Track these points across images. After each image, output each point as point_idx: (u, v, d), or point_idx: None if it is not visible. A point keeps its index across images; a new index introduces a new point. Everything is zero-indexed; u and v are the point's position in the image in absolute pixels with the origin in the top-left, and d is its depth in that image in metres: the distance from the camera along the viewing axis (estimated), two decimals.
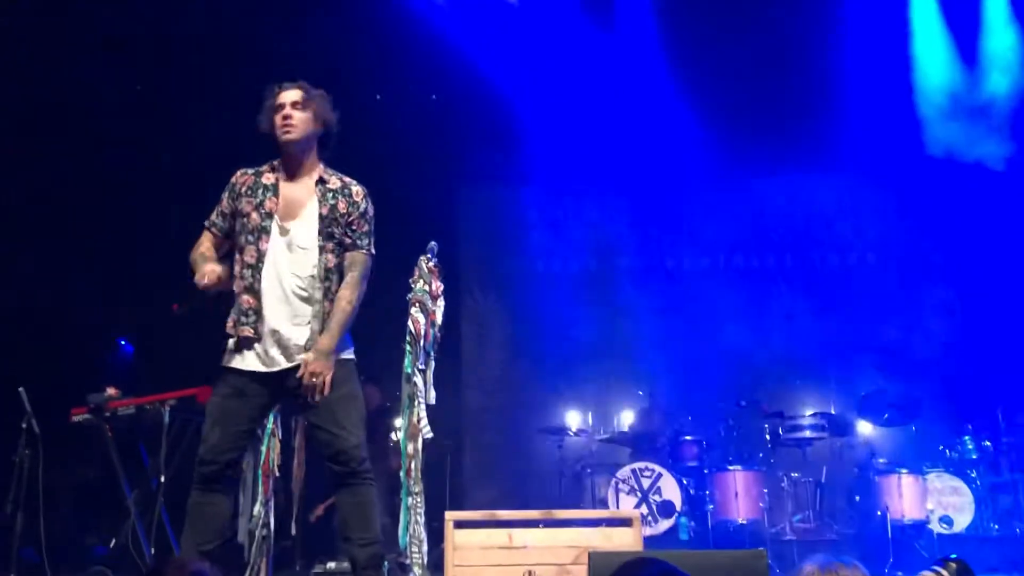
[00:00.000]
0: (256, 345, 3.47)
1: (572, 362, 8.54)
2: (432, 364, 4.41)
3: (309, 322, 3.49)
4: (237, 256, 3.59)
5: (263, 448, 4.38)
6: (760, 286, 8.78)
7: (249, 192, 3.59)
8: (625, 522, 4.27)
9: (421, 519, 4.07)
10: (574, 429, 7.79)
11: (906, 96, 8.36)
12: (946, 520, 6.74)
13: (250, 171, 3.68)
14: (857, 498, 7.16)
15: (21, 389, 4.61)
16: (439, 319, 4.50)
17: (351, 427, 3.46)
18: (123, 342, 7.86)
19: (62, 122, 7.56)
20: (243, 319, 3.49)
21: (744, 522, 6.86)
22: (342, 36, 8.07)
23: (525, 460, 8.47)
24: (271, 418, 4.47)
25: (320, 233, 3.56)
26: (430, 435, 4.22)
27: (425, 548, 4.07)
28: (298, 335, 3.48)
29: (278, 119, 3.56)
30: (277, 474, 4.42)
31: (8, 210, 7.43)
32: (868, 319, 8.45)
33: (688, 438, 7.37)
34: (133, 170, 7.78)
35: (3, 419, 4.89)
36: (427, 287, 4.48)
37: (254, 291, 3.49)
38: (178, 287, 3.83)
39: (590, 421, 8.29)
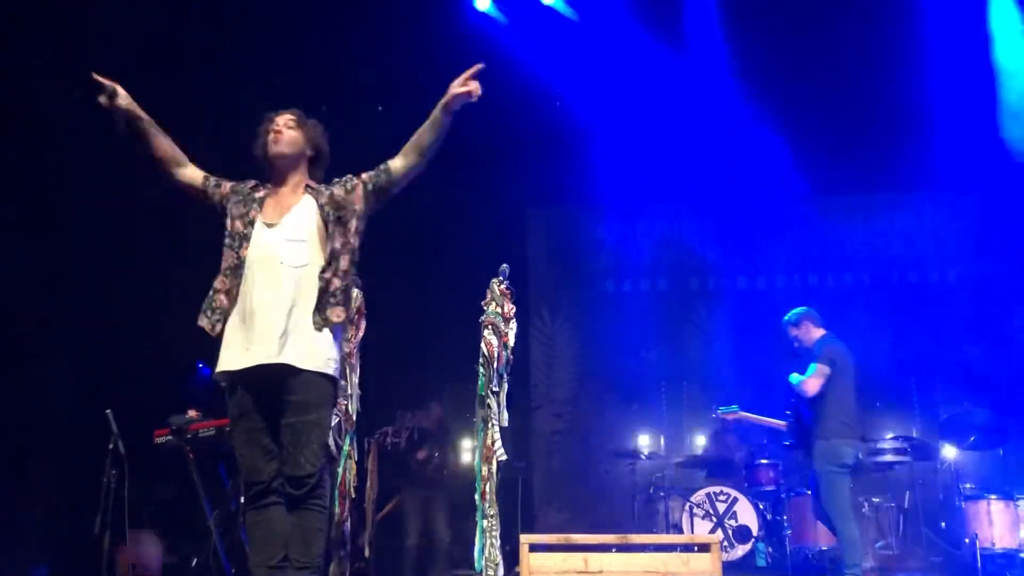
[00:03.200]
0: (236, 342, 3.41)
1: (643, 384, 8.47)
2: (505, 386, 4.42)
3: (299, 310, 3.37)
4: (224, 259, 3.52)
5: (339, 470, 4.42)
6: (837, 305, 8.58)
7: (241, 200, 3.56)
8: (704, 547, 4.19)
9: (496, 541, 4.06)
10: (646, 452, 7.69)
11: (988, 111, 8.14)
12: None
13: (250, 183, 3.65)
14: (943, 524, 6.92)
15: (108, 411, 4.75)
16: (511, 341, 4.51)
17: (310, 455, 3.30)
18: (201, 365, 8.05)
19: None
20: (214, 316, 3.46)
21: (824, 548, 6.67)
22: (408, 58, 8.22)
23: (596, 483, 8.41)
24: (348, 439, 4.52)
25: (324, 220, 3.48)
26: (504, 457, 4.22)
27: (501, 571, 4.06)
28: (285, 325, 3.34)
29: (269, 135, 3.55)
30: (354, 495, 4.46)
31: (93, 238, 7.72)
32: (950, 339, 8.19)
33: (764, 461, 7.22)
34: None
35: (90, 441, 5.05)
36: (499, 309, 4.49)
37: (231, 294, 3.45)
38: None
39: (662, 444, 8.19)
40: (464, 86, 3.65)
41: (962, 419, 7.18)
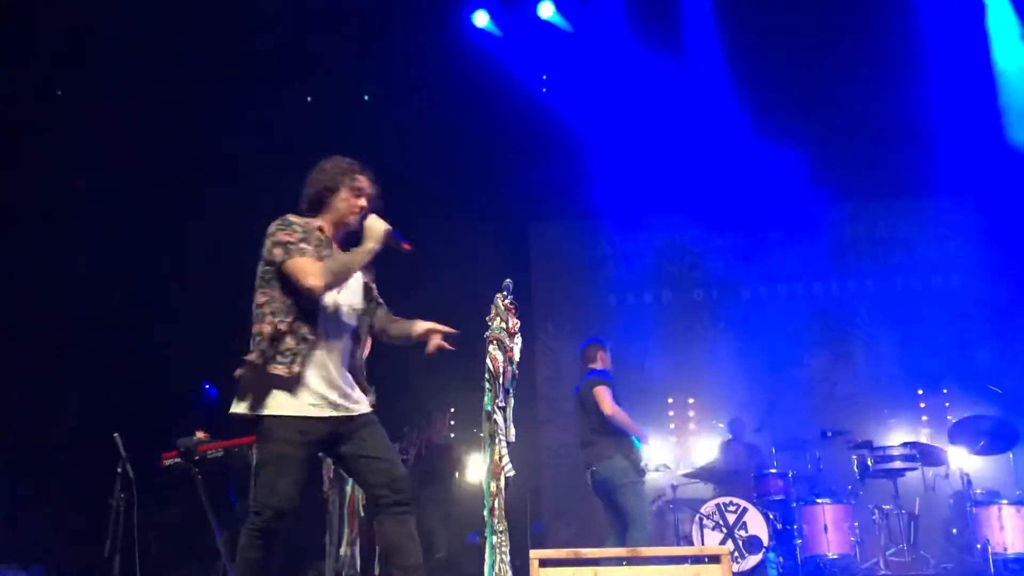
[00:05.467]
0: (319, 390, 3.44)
1: (650, 396, 8.45)
2: (511, 401, 4.41)
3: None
4: (286, 302, 3.43)
5: (348, 488, 4.42)
6: (842, 313, 8.59)
7: (318, 243, 3.52)
8: (714, 559, 4.17)
9: (506, 558, 4.04)
10: (654, 464, 7.67)
11: (989, 115, 8.17)
12: None
13: (300, 220, 3.57)
14: (954, 530, 6.89)
15: (116, 435, 4.75)
16: (517, 356, 4.51)
17: (396, 456, 3.46)
18: (207, 385, 8.06)
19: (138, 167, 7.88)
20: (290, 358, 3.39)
21: (835, 557, 6.65)
22: (410, 75, 8.28)
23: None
24: None
25: (364, 296, 3.66)
26: (512, 473, 4.19)
27: None
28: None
29: (359, 202, 3.61)
30: (363, 514, 4.45)
31: (100, 259, 7.75)
32: (956, 344, 8.17)
33: (772, 471, 7.20)
34: (213, 210, 8.04)
35: (98, 463, 5.05)
36: (504, 324, 4.49)
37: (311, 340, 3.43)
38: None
39: (671, 456, 8.17)
40: (435, 339, 3.83)
41: (971, 424, 7.16)
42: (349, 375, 3.55)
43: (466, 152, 8.43)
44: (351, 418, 3.47)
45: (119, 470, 4.67)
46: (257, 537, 3.30)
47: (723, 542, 6.68)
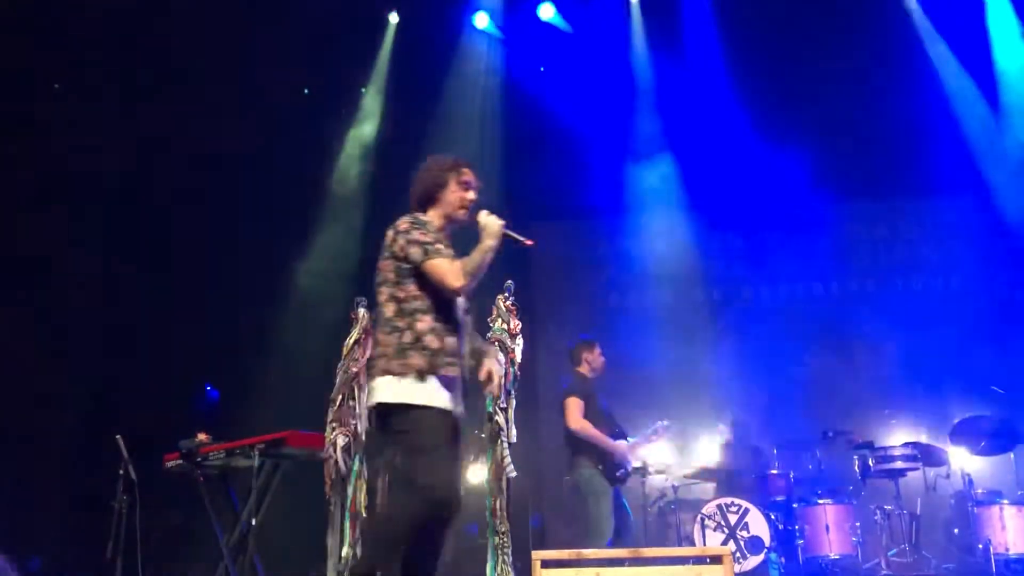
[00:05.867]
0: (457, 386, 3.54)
1: (651, 397, 8.44)
2: (513, 403, 4.43)
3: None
4: (424, 299, 3.52)
5: (350, 489, 4.42)
6: (842, 313, 8.59)
7: (446, 242, 3.63)
8: (716, 559, 4.18)
9: (508, 559, 4.06)
10: (656, 465, 7.67)
11: (990, 116, 8.18)
12: None
13: (427, 218, 3.66)
14: (956, 530, 6.88)
15: (119, 436, 4.76)
16: (518, 357, 4.53)
17: None
18: (209, 387, 8.07)
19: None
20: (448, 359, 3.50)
21: (836, 557, 6.65)
22: (411, 75, 8.30)
23: None
24: (357, 459, 4.52)
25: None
26: (514, 474, 4.22)
27: None
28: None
29: (468, 195, 3.74)
30: (364, 515, 4.45)
31: (101, 262, 7.76)
32: (957, 344, 8.16)
33: (774, 471, 7.20)
34: (215, 213, 8.06)
35: (101, 465, 5.06)
36: (505, 326, 4.51)
37: (457, 334, 3.56)
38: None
39: (672, 457, 8.16)
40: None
41: (972, 424, 7.15)
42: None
43: (467, 152, 8.43)
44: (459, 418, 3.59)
45: (121, 472, 4.68)
46: (418, 516, 3.36)
47: (725, 543, 6.68)
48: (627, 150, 8.64)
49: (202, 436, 5.14)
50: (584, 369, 6.14)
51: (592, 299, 9.06)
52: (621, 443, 5.91)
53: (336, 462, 4.39)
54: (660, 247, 8.93)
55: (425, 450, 3.38)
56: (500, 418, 4.35)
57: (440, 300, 3.52)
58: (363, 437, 4.55)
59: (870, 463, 6.97)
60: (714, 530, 6.79)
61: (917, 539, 6.77)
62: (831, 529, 6.67)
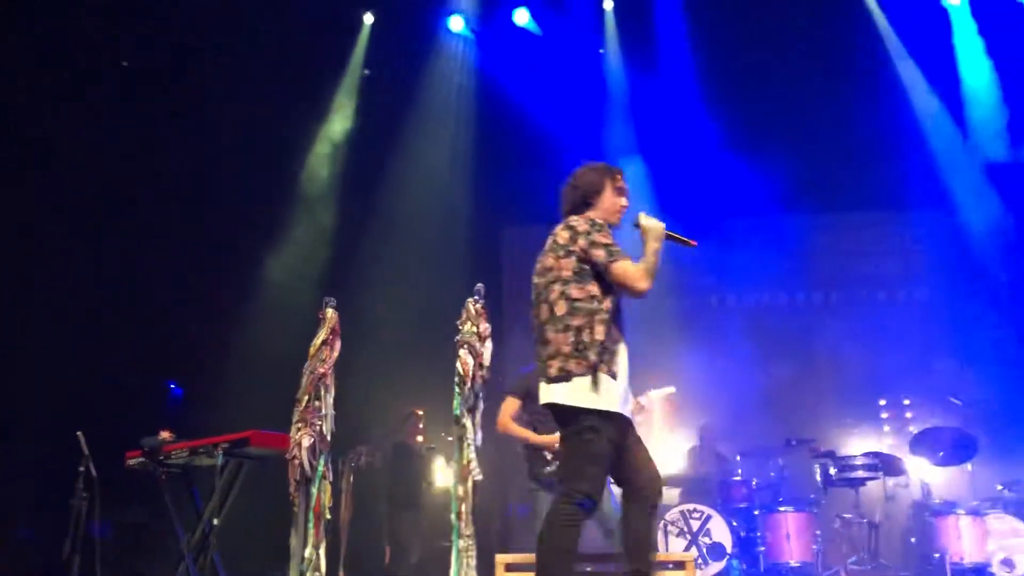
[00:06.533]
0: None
1: None
2: (481, 406, 4.43)
3: None
4: (602, 300, 3.65)
5: (314, 490, 4.40)
6: (807, 323, 8.69)
7: None
8: (679, 565, 4.22)
9: (473, 562, 4.06)
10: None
11: (957, 133, 8.33)
12: (1008, 563, 6.54)
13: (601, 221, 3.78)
14: (913, 539, 7.00)
15: (79, 433, 4.69)
16: (487, 361, 4.53)
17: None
18: (173, 385, 7.99)
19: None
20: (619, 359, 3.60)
21: (797, 565, 6.72)
22: (386, 78, 8.29)
23: None
24: (322, 460, 4.50)
25: None
26: (480, 477, 4.22)
27: None
28: None
29: (622, 200, 3.92)
30: (328, 516, 4.43)
31: (65, 257, 7.65)
32: (919, 356, 8.29)
33: (737, 478, 7.27)
34: (178, 211, 7.99)
35: (61, 462, 4.99)
36: (475, 329, 4.51)
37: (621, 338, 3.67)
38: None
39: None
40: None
41: (931, 435, 7.28)
42: None
43: (437, 154, 8.45)
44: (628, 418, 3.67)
45: (82, 469, 4.61)
46: (575, 524, 3.49)
47: (687, 549, 6.73)
48: (599, 156, 8.67)
49: (165, 434, 5.08)
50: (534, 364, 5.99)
51: None
52: (550, 437, 5.54)
53: (301, 463, 4.35)
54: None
55: (593, 457, 3.47)
56: (467, 421, 4.35)
57: (615, 301, 3.65)
58: (328, 437, 4.53)
59: (831, 472, 7.05)
60: (677, 536, 6.83)
61: (876, 548, 6.88)
62: (792, 537, 6.74)
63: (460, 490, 4.16)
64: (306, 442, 4.39)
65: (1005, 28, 8.15)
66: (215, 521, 4.91)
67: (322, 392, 4.48)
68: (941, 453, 7.17)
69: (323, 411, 4.47)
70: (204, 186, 8.06)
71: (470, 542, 4.09)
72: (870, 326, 8.52)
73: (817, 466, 7.16)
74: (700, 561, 6.70)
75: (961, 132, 8.42)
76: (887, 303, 8.80)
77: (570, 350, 3.55)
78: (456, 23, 8.46)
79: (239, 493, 5.14)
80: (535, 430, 5.57)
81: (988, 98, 8.35)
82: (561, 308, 3.65)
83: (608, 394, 3.50)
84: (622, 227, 3.85)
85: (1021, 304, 8.32)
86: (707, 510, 6.90)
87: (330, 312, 4.62)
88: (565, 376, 3.54)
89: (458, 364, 4.33)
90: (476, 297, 4.55)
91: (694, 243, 3.88)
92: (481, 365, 4.45)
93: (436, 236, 8.25)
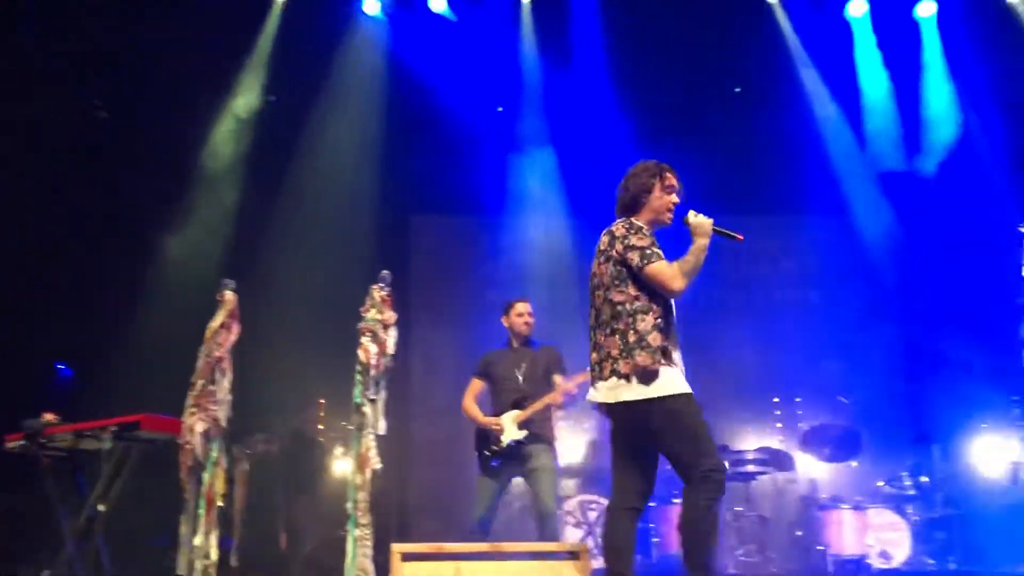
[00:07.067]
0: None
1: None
2: (383, 394, 4.38)
3: None
4: (644, 302, 3.77)
5: (206, 476, 4.28)
6: (707, 320, 8.88)
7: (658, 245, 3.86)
8: (573, 555, 4.27)
9: (369, 552, 4.02)
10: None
11: (855, 141, 8.63)
12: (884, 555, 6.86)
13: (640, 222, 3.89)
14: (799, 533, 7.25)
15: None
16: (391, 349, 4.48)
17: None
18: (61, 366, 7.66)
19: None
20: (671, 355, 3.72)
21: None
22: (295, 61, 8.11)
23: (471, 493, 8.39)
24: (216, 446, 4.39)
25: None
26: (379, 466, 4.18)
27: None
28: None
29: (672, 199, 3.97)
30: (221, 504, 4.32)
31: None
32: (811, 356, 8.58)
33: None
34: (71, 188, 7.66)
35: None
36: (379, 316, 4.46)
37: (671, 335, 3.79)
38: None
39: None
40: None
41: (819, 432, 7.58)
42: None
43: (347, 137, 8.31)
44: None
45: None
46: (718, 498, 3.63)
47: (584, 539, 6.83)
48: (510, 148, 8.70)
49: (49, 416, 4.88)
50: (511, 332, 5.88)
51: (471, 295, 9.05)
52: (492, 419, 5.62)
53: (193, 448, 4.23)
54: (541, 246, 9.00)
55: (693, 433, 3.63)
56: (368, 409, 4.30)
57: (657, 300, 3.75)
58: (223, 423, 4.42)
59: (724, 465, 7.24)
60: (574, 526, 6.93)
61: (764, 540, 7.11)
62: None
63: (358, 479, 4.11)
64: (199, 427, 4.28)
65: (902, 42, 8.49)
66: (100, 507, 4.74)
67: (218, 376, 4.36)
68: (827, 450, 7.46)
69: (218, 396, 4.35)
70: (99, 158, 7.74)
71: (367, 531, 4.05)
72: (767, 325, 8.78)
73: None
74: (595, 551, 6.80)
75: (858, 141, 8.73)
76: (782, 304, 9.07)
77: (618, 353, 3.71)
78: (371, 5, 8.33)
79: (128, 479, 4.97)
80: (516, 404, 5.57)
81: (885, 109, 8.67)
82: (606, 313, 3.83)
83: (670, 380, 3.67)
84: (674, 224, 3.99)
85: (907, 308, 8.70)
86: (605, 501, 6.99)
87: (229, 294, 4.49)
88: (614, 377, 3.70)
89: (360, 352, 4.27)
90: (381, 284, 4.49)
91: (741, 237, 3.95)
92: (384, 353, 4.40)
93: (343, 220, 8.12)
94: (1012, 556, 6.50)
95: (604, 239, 3.89)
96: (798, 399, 7.89)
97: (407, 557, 4.13)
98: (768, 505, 7.42)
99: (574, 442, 8.30)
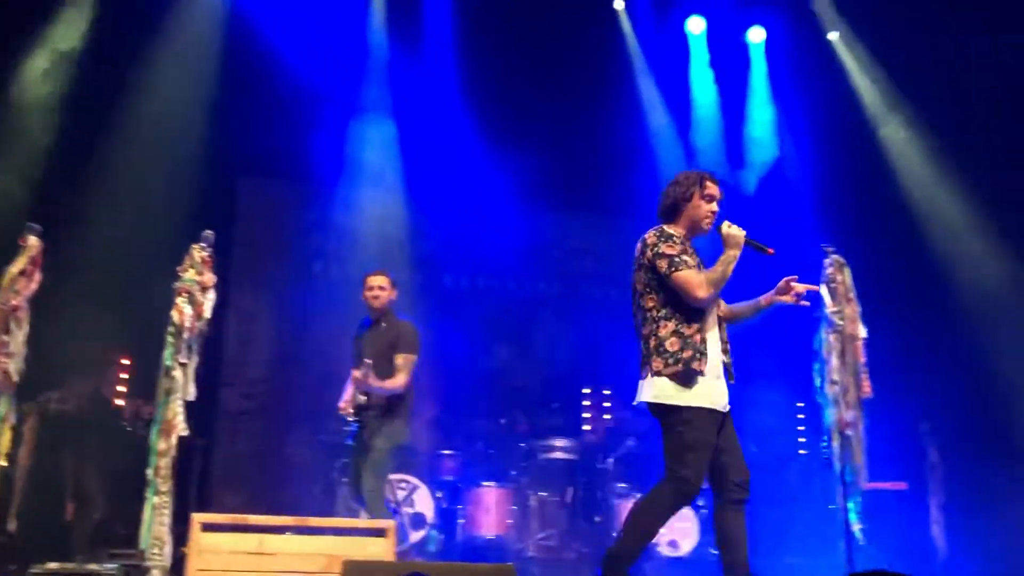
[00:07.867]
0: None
1: (336, 370, 8.40)
2: (195, 359, 4.24)
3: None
4: (669, 308, 3.90)
5: None
6: (529, 312, 9.13)
7: (692, 252, 3.99)
8: (379, 532, 4.29)
9: (167, 520, 3.89)
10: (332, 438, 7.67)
11: (682, 156, 9.06)
12: (673, 544, 7.28)
13: (673, 230, 4.00)
14: (597, 519, 7.57)
15: None
16: (207, 313, 4.33)
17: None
18: None
19: None
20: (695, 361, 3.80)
21: (492, 537, 7.08)
22: (128, 20, 7.63)
23: (279, 466, 8.24)
24: (3, 400, 4.10)
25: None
26: (186, 432, 4.05)
27: (168, 550, 3.89)
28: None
29: (711, 207, 4.01)
30: (4, 463, 4.04)
31: None
32: (620, 351, 8.91)
33: (447, 452, 7.51)
34: None
35: None
36: (198, 277, 4.30)
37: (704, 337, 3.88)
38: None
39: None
40: (790, 294, 4.10)
41: (623, 424, 7.94)
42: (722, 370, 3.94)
43: (181, 92, 7.88)
44: (724, 414, 3.90)
45: None
46: (676, 506, 3.82)
47: (392, 518, 6.85)
48: (350, 120, 8.54)
49: None
50: None
51: (295, 264, 8.84)
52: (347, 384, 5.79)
53: None
54: (370, 221, 8.89)
55: (683, 447, 3.75)
56: (178, 373, 4.15)
57: (682, 308, 3.87)
58: (15, 378, 4.13)
59: (535, 451, 7.50)
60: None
61: (565, 525, 7.39)
62: (491, 511, 7.08)
63: (161, 444, 3.96)
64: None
65: (733, 63, 9.00)
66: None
67: (12, 327, 4.08)
68: (630, 441, 7.84)
69: (11, 348, 4.07)
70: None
71: (166, 499, 3.91)
72: (583, 320, 9.09)
73: (522, 445, 7.57)
74: (401, 530, 6.86)
75: (685, 152, 9.17)
76: (602, 300, 9.41)
77: (644, 356, 3.92)
78: None
79: None
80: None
81: (713, 124, 9.17)
82: (639, 318, 4.02)
83: (690, 391, 3.78)
84: (711, 232, 4.07)
85: None
86: (415, 481, 7.07)
87: (33, 240, 4.20)
88: (647, 377, 3.88)
89: (174, 312, 4.11)
90: (203, 244, 4.33)
91: (772, 251, 4.03)
92: (200, 316, 4.25)
93: (167, 174, 7.68)
94: (784, 548, 7.06)
95: (637, 247, 4.04)
96: (607, 391, 8.22)
97: (208, 528, 4.01)
98: (571, 491, 7.67)
99: None
